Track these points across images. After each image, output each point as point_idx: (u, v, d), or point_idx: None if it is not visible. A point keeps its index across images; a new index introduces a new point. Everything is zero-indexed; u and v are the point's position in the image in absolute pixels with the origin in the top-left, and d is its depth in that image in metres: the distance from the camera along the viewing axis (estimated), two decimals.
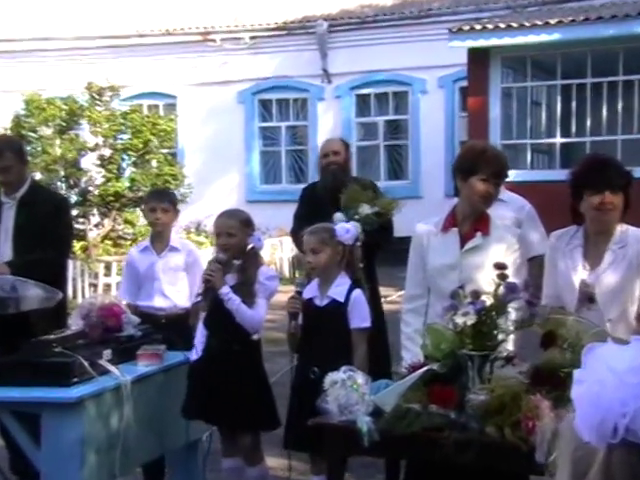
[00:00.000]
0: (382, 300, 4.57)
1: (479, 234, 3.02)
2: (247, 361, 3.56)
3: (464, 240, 3.03)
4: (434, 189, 13.48)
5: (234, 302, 3.49)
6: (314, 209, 4.37)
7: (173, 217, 4.46)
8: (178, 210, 4.47)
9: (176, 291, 4.38)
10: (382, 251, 4.52)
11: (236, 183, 15.27)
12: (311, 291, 3.42)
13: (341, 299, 3.37)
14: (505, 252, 2.98)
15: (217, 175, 15.00)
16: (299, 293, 3.38)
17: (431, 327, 2.76)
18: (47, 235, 4.05)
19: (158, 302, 4.34)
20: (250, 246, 3.63)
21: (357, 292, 3.39)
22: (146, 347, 3.66)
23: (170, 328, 4.01)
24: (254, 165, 15.48)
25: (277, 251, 12.85)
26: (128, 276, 4.48)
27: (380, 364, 4.04)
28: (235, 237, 3.56)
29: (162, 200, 4.38)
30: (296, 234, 4.57)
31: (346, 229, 3.44)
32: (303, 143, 15.53)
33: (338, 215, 4.22)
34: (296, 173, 15.56)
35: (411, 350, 3.00)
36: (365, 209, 4.30)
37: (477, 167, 2.96)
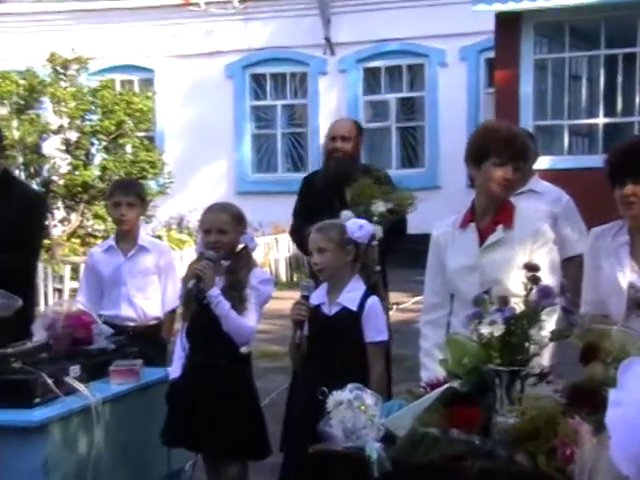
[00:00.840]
0: (394, 308, 4.59)
1: (500, 227, 3.02)
2: (235, 378, 3.57)
3: (484, 236, 3.04)
4: (455, 178, 13.47)
5: (224, 307, 3.50)
6: (314, 203, 4.39)
7: (141, 212, 4.49)
8: (147, 203, 4.50)
9: (146, 298, 4.40)
10: (394, 255, 4.53)
11: (224, 172, 15.29)
12: (318, 297, 3.44)
13: (353, 307, 3.38)
14: (532, 246, 2.97)
15: (202, 162, 15.02)
16: (306, 298, 3.38)
17: (452, 338, 2.77)
18: (15, 235, 4.02)
19: (125, 311, 4.37)
20: (242, 246, 3.66)
21: (373, 299, 3.40)
22: (120, 362, 3.67)
23: (139, 341, 4.03)
24: (245, 151, 15.50)
25: (272, 251, 12.88)
26: (89, 280, 4.50)
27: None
28: (228, 235, 3.59)
29: (127, 193, 4.39)
30: (296, 232, 4.60)
31: (359, 225, 3.45)
32: (302, 125, 15.53)
33: (346, 213, 4.24)
34: (294, 160, 15.57)
35: (430, 368, 3.01)
36: (379, 206, 4.32)
37: (490, 150, 2.96)
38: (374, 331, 3.37)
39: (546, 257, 2.96)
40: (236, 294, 3.54)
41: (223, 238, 3.58)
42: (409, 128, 14.99)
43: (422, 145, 14.83)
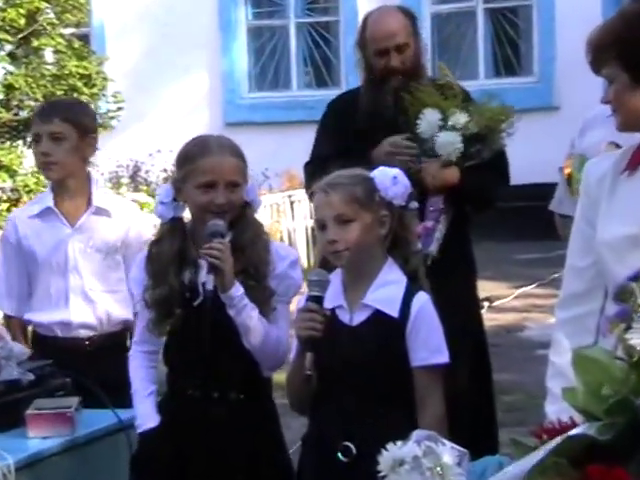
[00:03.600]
0: (484, 307, 4.62)
1: None
2: (256, 425, 3.61)
3: None
4: (581, 93, 13.37)
5: (251, 313, 3.51)
6: (350, 142, 4.44)
7: (81, 150, 4.44)
8: (92, 135, 4.46)
9: (111, 292, 4.43)
10: (484, 212, 4.57)
11: (205, 91, 15.31)
12: (332, 297, 3.42)
13: (392, 312, 3.40)
14: None
15: (168, 76, 15.03)
16: (317, 300, 3.37)
17: (582, 355, 2.75)
18: None
19: (78, 314, 4.39)
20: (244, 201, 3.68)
21: (422, 299, 3.43)
22: (43, 403, 3.69)
23: (101, 361, 4.08)
24: (237, 55, 15.51)
25: (283, 217, 12.86)
26: (10, 265, 4.51)
27: (478, 429, 4.07)
28: (238, 189, 3.59)
29: (49, 118, 4.38)
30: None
31: (392, 177, 3.46)
32: (330, 11, 15.50)
33: (431, 114, 4.33)
34: (317, 69, 15.54)
35: (560, 398, 2.97)
36: (459, 118, 4.36)
37: None
38: (426, 349, 3.39)
39: None
40: (256, 285, 3.55)
41: (233, 197, 3.58)
42: (506, 11, 14.92)
43: (528, 41, 14.78)
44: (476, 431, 4.21)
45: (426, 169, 4.33)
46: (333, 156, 4.49)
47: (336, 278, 3.44)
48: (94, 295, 4.39)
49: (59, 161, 4.37)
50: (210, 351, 3.56)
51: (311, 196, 3.75)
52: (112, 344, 4.36)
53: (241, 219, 3.64)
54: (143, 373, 3.70)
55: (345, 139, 4.63)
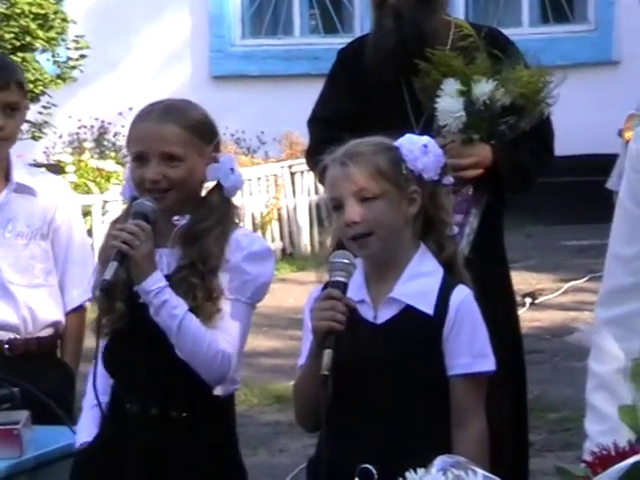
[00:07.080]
0: (526, 305, 4.62)
1: None
2: (203, 446, 3.62)
3: None
4: None
5: (173, 311, 3.55)
6: (359, 99, 4.46)
7: (19, 120, 4.47)
8: (26, 103, 4.45)
9: (33, 286, 4.45)
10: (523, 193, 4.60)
11: (187, 36, 15.30)
12: (352, 291, 3.41)
13: (426, 308, 3.42)
14: None
15: (142, 17, 15.02)
16: (340, 286, 3.37)
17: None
18: None
19: None
20: (210, 186, 3.73)
21: (462, 292, 3.45)
22: None
23: (23, 370, 4.07)
24: None
25: (283, 192, 12.86)
26: None
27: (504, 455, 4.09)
28: (182, 165, 3.64)
29: (6, 82, 4.32)
30: (320, 153, 4.63)
31: (422, 146, 3.50)
32: None
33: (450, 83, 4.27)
34: (325, 11, 15.54)
35: (607, 416, 2.97)
36: (484, 87, 4.32)
37: None
38: (469, 354, 3.43)
39: None
40: (200, 283, 3.58)
41: (172, 172, 3.62)
42: None
43: None
44: (502, 457, 4.22)
45: (448, 150, 4.32)
46: (334, 114, 4.57)
47: (357, 269, 3.44)
48: (15, 289, 4.39)
49: (11, 136, 4.38)
50: (148, 358, 3.61)
51: (314, 165, 3.72)
52: (38, 351, 4.39)
53: (204, 203, 3.69)
54: (100, 382, 3.71)
55: (351, 87, 4.64)
